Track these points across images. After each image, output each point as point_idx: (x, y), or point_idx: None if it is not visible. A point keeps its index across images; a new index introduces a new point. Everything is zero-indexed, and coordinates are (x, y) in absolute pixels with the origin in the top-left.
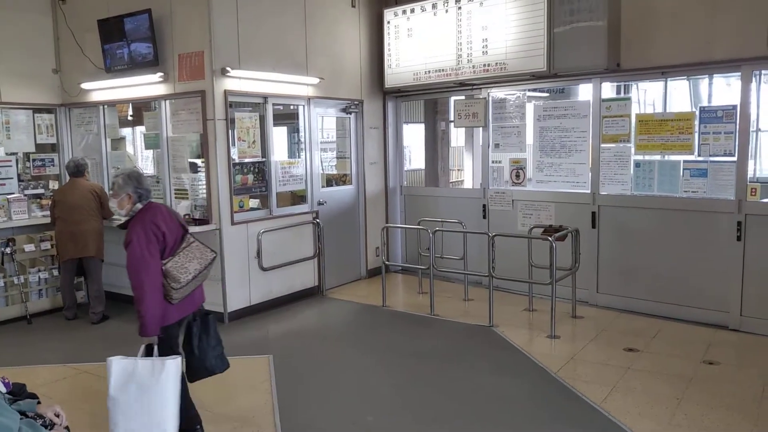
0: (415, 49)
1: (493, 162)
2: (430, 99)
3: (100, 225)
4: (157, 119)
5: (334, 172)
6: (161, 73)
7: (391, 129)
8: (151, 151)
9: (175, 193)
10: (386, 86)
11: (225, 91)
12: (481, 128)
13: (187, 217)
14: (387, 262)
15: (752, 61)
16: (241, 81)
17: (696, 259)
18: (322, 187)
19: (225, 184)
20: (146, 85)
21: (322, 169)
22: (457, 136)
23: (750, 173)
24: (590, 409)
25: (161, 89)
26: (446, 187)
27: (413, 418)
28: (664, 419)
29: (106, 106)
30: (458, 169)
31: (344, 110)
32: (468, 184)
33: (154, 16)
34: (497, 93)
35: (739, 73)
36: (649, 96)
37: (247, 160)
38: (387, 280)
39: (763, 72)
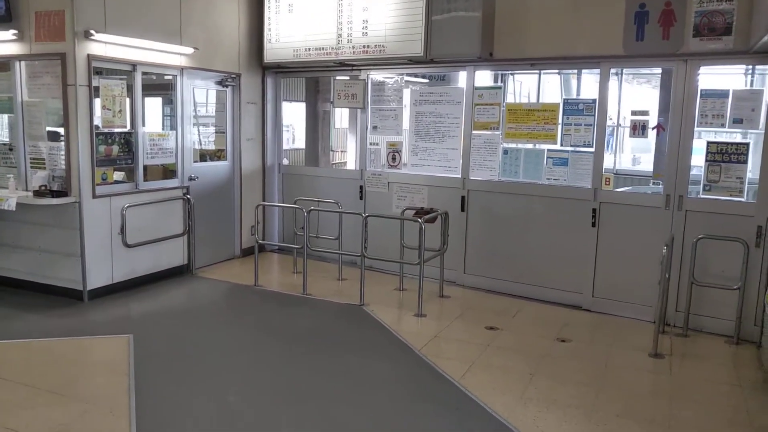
0: (295, 25)
1: (370, 144)
2: (312, 77)
3: None
4: (11, 81)
5: (213, 147)
6: (15, 31)
7: (270, 105)
8: (5, 116)
9: (31, 163)
10: (266, 61)
11: (88, 55)
12: (360, 110)
13: (43, 188)
14: (262, 241)
15: (610, 58)
16: (107, 46)
17: (555, 244)
18: (195, 161)
19: (86, 154)
20: None
21: (200, 144)
22: (341, 117)
23: (610, 164)
24: (449, 385)
25: (15, 48)
26: (326, 168)
27: (279, 397)
28: (516, 393)
29: None
30: (342, 151)
31: (220, 83)
32: (351, 165)
33: None
34: (376, 75)
35: (599, 70)
36: (524, 87)
37: (113, 130)
38: (263, 260)
39: (625, 70)
